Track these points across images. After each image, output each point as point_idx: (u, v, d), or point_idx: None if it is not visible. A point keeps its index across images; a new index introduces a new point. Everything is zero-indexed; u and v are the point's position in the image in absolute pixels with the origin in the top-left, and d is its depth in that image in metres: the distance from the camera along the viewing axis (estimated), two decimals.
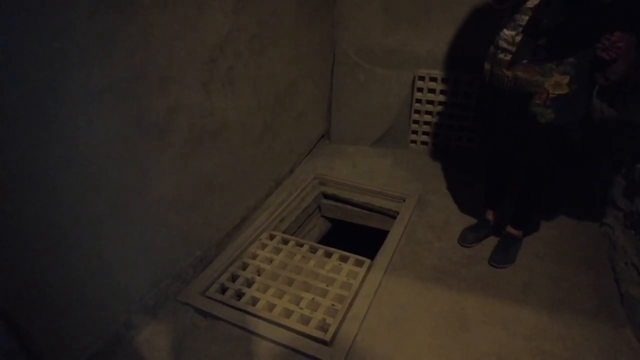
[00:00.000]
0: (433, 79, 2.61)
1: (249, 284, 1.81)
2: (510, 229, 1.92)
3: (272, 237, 2.09)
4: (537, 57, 1.46)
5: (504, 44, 1.53)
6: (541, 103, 1.50)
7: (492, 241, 1.99)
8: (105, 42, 1.21)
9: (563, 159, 1.69)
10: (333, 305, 1.66)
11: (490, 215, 2.02)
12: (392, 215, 2.30)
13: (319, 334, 1.52)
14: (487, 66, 1.64)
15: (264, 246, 2.03)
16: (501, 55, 1.54)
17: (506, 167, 1.89)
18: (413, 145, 2.87)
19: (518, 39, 1.47)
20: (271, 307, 1.68)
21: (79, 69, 1.16)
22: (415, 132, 2.82)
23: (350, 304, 1.67)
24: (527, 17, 1.43)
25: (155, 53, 1.39)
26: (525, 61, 1.48)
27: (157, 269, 1.63)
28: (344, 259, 1.94)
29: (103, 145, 1.28)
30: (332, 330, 1.53)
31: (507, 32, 1.51)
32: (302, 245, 2.03)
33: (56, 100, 1.12)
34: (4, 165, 1.04)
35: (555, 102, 1.49)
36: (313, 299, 1.70)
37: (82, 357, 1.37)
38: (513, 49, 1.50)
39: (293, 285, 1.79)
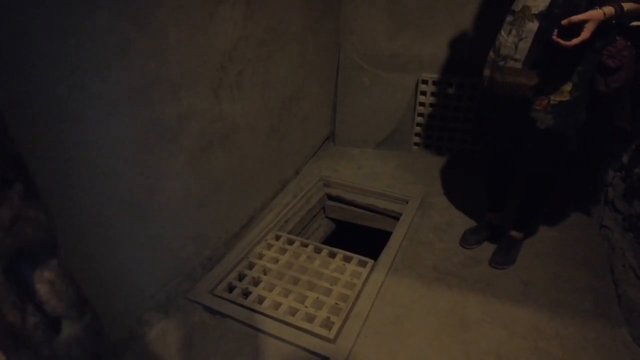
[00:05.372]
0: (436, 83, 2.65)
1: (256, 283, 1.86)
2: (512, 231, 1.95)
3: (277, 238, 2.15)
4: (539, 64, 1.46)
5: (505, 51, 1.52)
6: (541, 109, 1.52)
7: (493, 242, 2.03)
8: (123, 52, 1.27)
9: (562, 168, 1.70)
10: (337, 304, 1.71)
11: (491, 218, 2.05)
12: (395, 217, 2.35)
13: (323, 332, 1.57)
14: (487, 72, 1.64)
15: (270, 246, 2.08)
16: (502, 62, 1.55)
17: (508, 171, 1.91)
18: (416, 147, 2.91)
19: (521, 45, 1.47)
20: (277, 305, 1.73)
21: (98, 77, 1.22)
22: (418, 134, 2.86)
23: (354, 303, 1.72)
24: (529, 24, 1.42)
25: (168, 61, 1.45)
26: (527, 67, 1.49)
27: (168, 268, 1.69)
28: (347, 259, 1.99)
29: (119, 149, 1.34)
30: (335, 328, 1.59)
31: (508, 38, 1.51)
32: (307, 246, 2.08)
33: (76, 107, 1.18)
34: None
35: (555, 109, 1.50)
36: (317, 298, 1.75)
37: None
38: (515, 55, 1.50)
39: (298, 284, 1.84)
